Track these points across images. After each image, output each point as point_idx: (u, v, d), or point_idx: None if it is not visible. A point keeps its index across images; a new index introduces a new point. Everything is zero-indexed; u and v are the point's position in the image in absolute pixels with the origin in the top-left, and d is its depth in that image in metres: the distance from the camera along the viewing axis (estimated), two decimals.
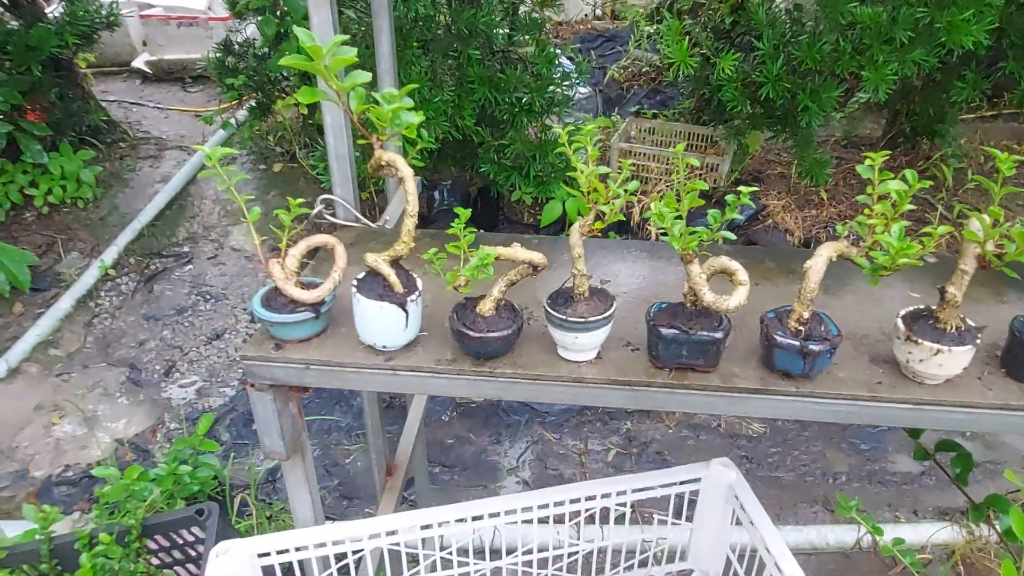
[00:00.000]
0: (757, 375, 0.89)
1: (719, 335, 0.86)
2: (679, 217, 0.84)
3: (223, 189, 0.90)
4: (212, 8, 5.17)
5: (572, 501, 1.13)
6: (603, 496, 1.14)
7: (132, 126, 4.50)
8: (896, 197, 0.78)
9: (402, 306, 0.88)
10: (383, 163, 0.88)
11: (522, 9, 3.56)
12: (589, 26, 6.76)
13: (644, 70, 5.57)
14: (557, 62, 3.46)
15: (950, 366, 0.84)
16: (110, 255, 3.48)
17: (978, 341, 0.84)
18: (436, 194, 3.90)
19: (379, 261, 0.88)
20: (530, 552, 1.19)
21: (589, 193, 0.84)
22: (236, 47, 3.91)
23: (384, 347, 0.91)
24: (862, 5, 2.99)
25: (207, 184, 4.19)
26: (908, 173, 0.78)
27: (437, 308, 0.99)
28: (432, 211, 3.92)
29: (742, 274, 0.84)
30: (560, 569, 1.22)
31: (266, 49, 3.92)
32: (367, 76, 0.86)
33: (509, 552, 1.17)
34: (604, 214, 0.84)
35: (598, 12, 6.83)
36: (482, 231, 1.19)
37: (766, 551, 1.05)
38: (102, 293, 3.41)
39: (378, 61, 1.42)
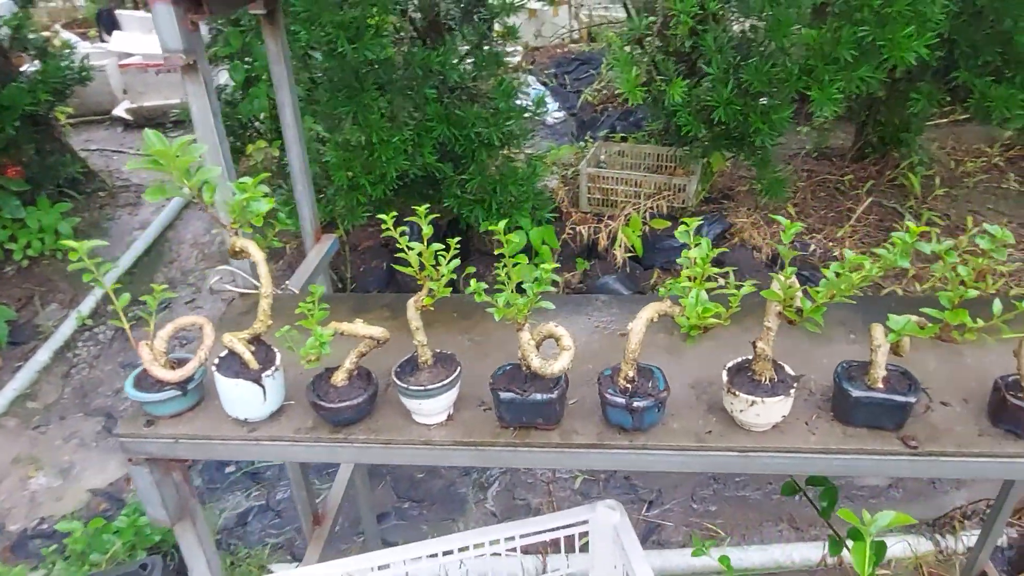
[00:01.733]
0: (596, 431, 0.94)
1: (554, 395, 0.91)
2: (505, 289, 0.89)
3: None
4: None
5: (460, 550, 1.18)
6: (491, 543, 1.19)
7: (112, 174, 4.61)
8: (699, 263, 0.83)
9: (257, 382, 0.93)
10: (238, 249, 0.94)
11: (486, 42, 3.64)
12: (566, 49, 6.86)
13: (617, 92, 5.64)
14: (525, 90, 3.53)
15: (767, 415, 0.89)
16: (88, 305, 3.57)
17: (792, 392, 0.88)
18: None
19: (234, 341, 0.94)
20: None
21: (422, 271, 0.89)
22: None
23: (247, 419, 0.97)
24: (807, 27, 3.05)
25: (185, 228, 4.29)
26: (703, 242, 0.83)
27: (308, 375, 1.05)
28: None
29: (567, 339, 0.89)
30: None
31: (237, 94, 4.03)
32: (216, 170, 0.93)
33: None
34: (434, 291, 0.90)
35: (574, 35, 6.93)
36: (382, 293, 1.24)
37: None
38: (79, 343, 3.49)
39: (284, 130, 1.49)
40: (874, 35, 2.89)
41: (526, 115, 3.46)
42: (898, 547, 2.57)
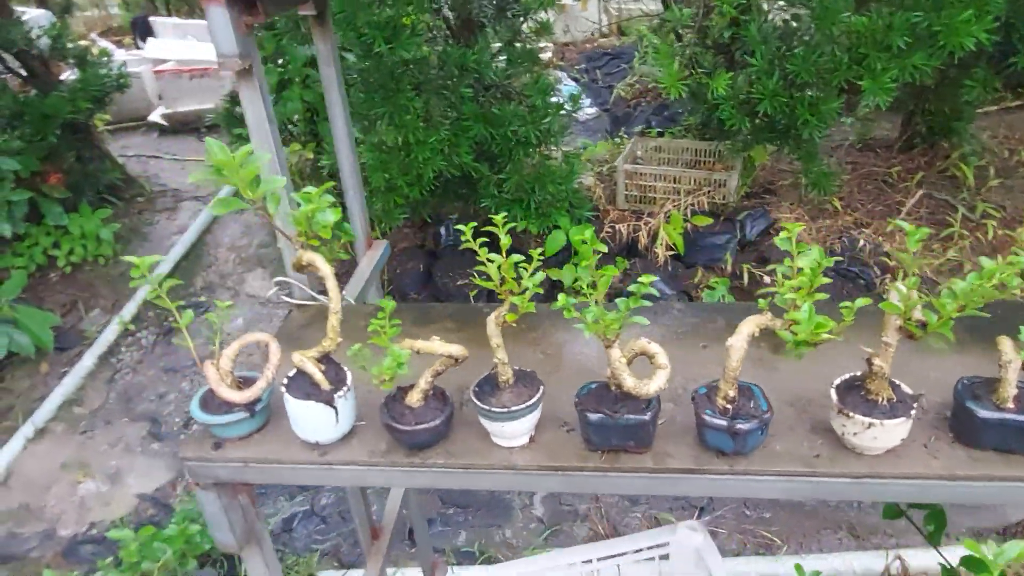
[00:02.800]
0: (691, 454, 0.87)
1: (647, 417, 0.84)
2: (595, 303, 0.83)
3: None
4: None
5: None
6: (568, 565, 1.13)
7: (150, 179, 4.64)
8: (810, 273, 0.76)
9: (329, 403, 0.88)
10: (304, 263, 0.89)
11: (519, 38, 3.57)
12: (595, 44, 6.76)
13: (650, 86, 5.55)
14: (558, 87, 3.46)
15: (886, 439, 0.81)
16: (129, 310, 3.58)
17: (913, 412, 0.81)
18: (442, 229, 3.93)
19: (304, 361, 0.89)
20: None
21: (502, 284, 0.84)
22: None
23: (318, 442, 0.92)
24: (856, 14, 2.93)
25: (222, 232, 4.30)
26: (816, 250, 0.76)
27: (379, 394, 0.99)
28: (439, 246, 3.95)
29: (662, 357, 0.82)
30: None
31: (271, 97, 4.02)
32: (281, 180, 0.88)
33: None
34: (517, 306, 0.84)
35: (604, 30, 6.83)
36: (478, 304, 1.19)
37: None
38: (123, 348, 3.51)
39: (334, 132, 1.44)
40: (929, 20, 2.77)
41: (562, 112, 3.39)
42: (962, 552, 2.46)
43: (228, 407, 0.92)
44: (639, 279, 0.78)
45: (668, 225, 3.76)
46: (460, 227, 0.83)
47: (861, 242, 3.74)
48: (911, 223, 3.04)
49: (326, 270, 0.89)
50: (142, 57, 5.54)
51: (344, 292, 1.40)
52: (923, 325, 0.77)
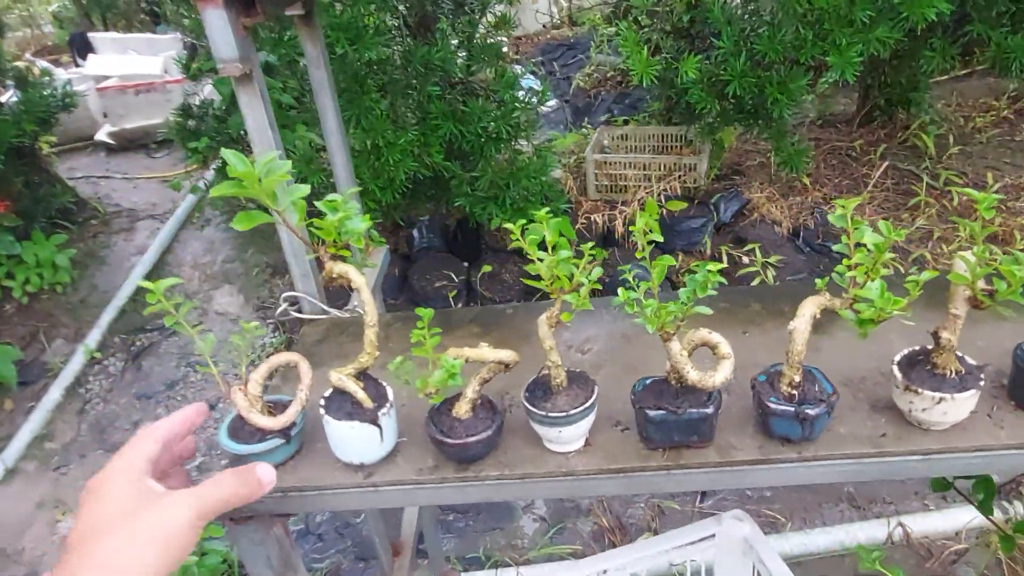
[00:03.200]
0: (755, 443, 0.84)
1: (710, 410, 0.81)
2: (649, 295, 0.79)
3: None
4: (168, 71, 5.14)
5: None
6: (617, 570, 1.09)
7: (102, 201, 4.46)
8: (874, 249, 0.74)
9: (374, 422, 0.83)
10: (335, 275, 0.83)
11: (478, 33, 3.52)
12: (548, 36, 6.74)
13: (609, 75, 5.55)
14: (519, 82, 3.42)
15: (955, 413, 0.80)
16: (94, 338, 3.43)
17: (981, 383, 0.79)
18: (415, 232, 3.86)
19: (344, 379, 0.83)
20: None
21: (552, 283, 0.79)
22: (195, 109, 3.87)
23: (363, 464, 0.86)
24: None
25: (184, 250, 4.15)
26: (882, 225, 0.73)
27: (416, 407, 0.94)
28: (413, 250, 3.88)
29: (724, 347, 0.79)
30: None
31: (225, 108, 3.88)
32: (305, 189, 0.82)
33: None
34: (571, 304, 0.79)
35: (556, 21, 6.81)
36: (459, 306, 1.14)
37: None
38: (90, 378, 3.35)
39: (327, 137, 1.38)
40: None
41: (530, 106, 3.36)
42: (963, 515, 2.51)
43: (261, 434, 0.86)
44: (707, 267, 0.74)
45: (643, 212, 3.76)
46: (509, 225, 0.78)
47: (823, 286, 3.79)
48: (878, 194, 3.09)
49: (360, 281, 0.83)
50: (83, 75, 5.31)
51: (350, 304, 1.34)
52: (990, 294, 0.75)
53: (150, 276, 3.93)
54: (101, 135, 5.11)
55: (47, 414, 3.16)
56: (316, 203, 0.82)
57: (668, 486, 0.84)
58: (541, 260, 0.78)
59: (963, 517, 2.48)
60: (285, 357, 0.89)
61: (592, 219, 3.80)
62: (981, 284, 0.77)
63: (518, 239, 0.77)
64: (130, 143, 5.17)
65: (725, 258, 3.48)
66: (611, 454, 0.85)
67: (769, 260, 3.42)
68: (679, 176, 3.91)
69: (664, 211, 3.72)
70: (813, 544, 2.50)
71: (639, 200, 3.82)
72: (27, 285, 3.58)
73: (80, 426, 3.17)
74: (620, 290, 0.77)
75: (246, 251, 4.05)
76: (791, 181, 3.99)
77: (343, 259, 0.84)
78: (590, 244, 0.81)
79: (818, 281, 0.81)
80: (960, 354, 0.82)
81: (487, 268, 3.81)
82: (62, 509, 2.81)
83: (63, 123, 4.65)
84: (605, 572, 1.08)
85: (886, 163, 3.96)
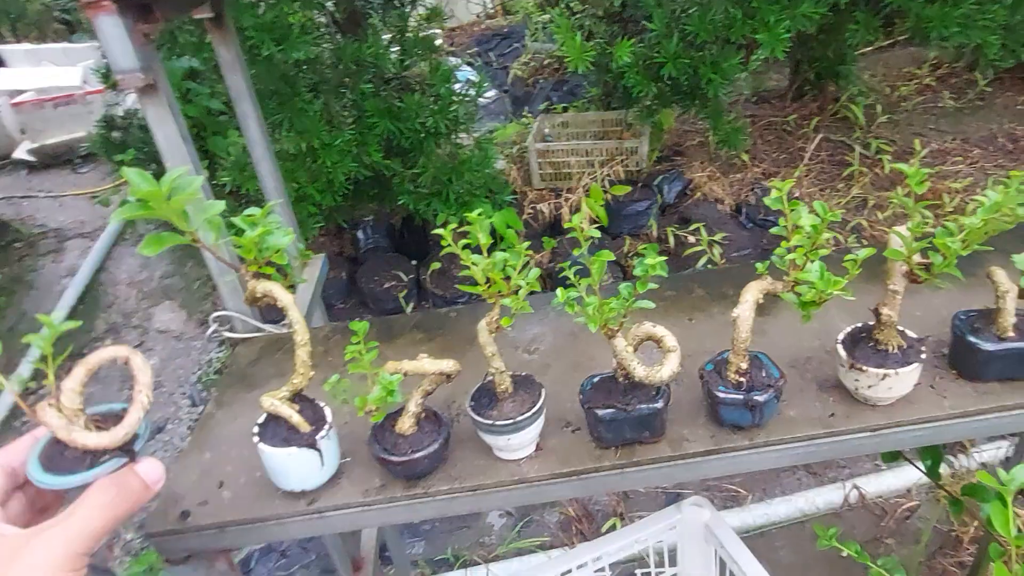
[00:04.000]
0: (707, 434, 0.83)
1: (659, 405, 0.79)
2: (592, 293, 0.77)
3: None
4: (88, 82, 4.91)
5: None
6: (579, 568, 1.07)
7: (25, 222, 4.24)
8: (811, 231, 0.73)
9: (312, 447, 0.79)
10: (258, 295, 0.78)
11: (410, 27, 3.46)
12: (483, 26, 6.68)
13: (546, 63, 5.53)
14: (455, 75, 3.37)
15: (900, 387, 0.80)
16: (26, 369, 3.26)
17: (923, 356, 0.79)
18: (360, 233, 3.78)
19: (276, 404, 0.79)
20: None
21: (489, 286, 0.76)
22: (118, 120, 3.70)
23: (304, 491, 0.82)
24: None
25: (118, 268, 3.99)
26: (817, 205, 0.72)
27: (359, 424, 0.90)
28: (359, 251, 3.80)
29: (670, 339, 0.78)
30: None
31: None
32: (220, 205, 0.77)
33: None
34: (510, 309, 0.77)
35: (489, 10, 6.75)
36: (410, 305, 1.10)
37: None
38: (24, 414, 3.19)
39: (251, 148, 1.31)
40: None
41: (467, 98, 3.31)
42: (914, 472, 2.58)
43: (93, 457, 0.66)
44: (646, 260, 0.72)
45: (588, 198, 3.76)
46: (439, 231, 0.75)
47: (764, 270, 3.85)
48: (814, 166, 3.14)
49: (286, 300, 0.79)
50: None
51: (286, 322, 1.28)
52: (927, 267, 0.75)
53: (84, 298, 3.77)
54: (20, 153, 4.86)
55: None
56: (233, 219, 0.77)
57: (623, 485, 0.82)
58: (475, 264, 0.75)
59: (914, 474, 2.56)
60: (108, 354, 0.72)
61: (538, 209, 3.79)
62: (917, 258, 0.76)
63: (449, 244, 0.74)
64: (53, 159, 4.93)
65: (672, 239, 3.51)
66: (563, 457, 0.83)
67: (714, 238, 3.46)
68: (621, 160, 3.91)
69: (609, 196, 3.72)
70: (775, 514, 2.55)
71: (584, 187, 3.82)
72: None
73: None
74: (559, 290, 0.74)
75: (185, 265, 3.91)
76: (731, 159, 4.04)
77: (267, 276, 0.79)
78: (526, 244, 0.78)
79: (759, 265, 0.80)
80: (901, 328, 0.82)
81: (436, 265, 3.77)
82: None
83: None
84: (570, 572, 1.07)
85: (820, 135, 4.05)
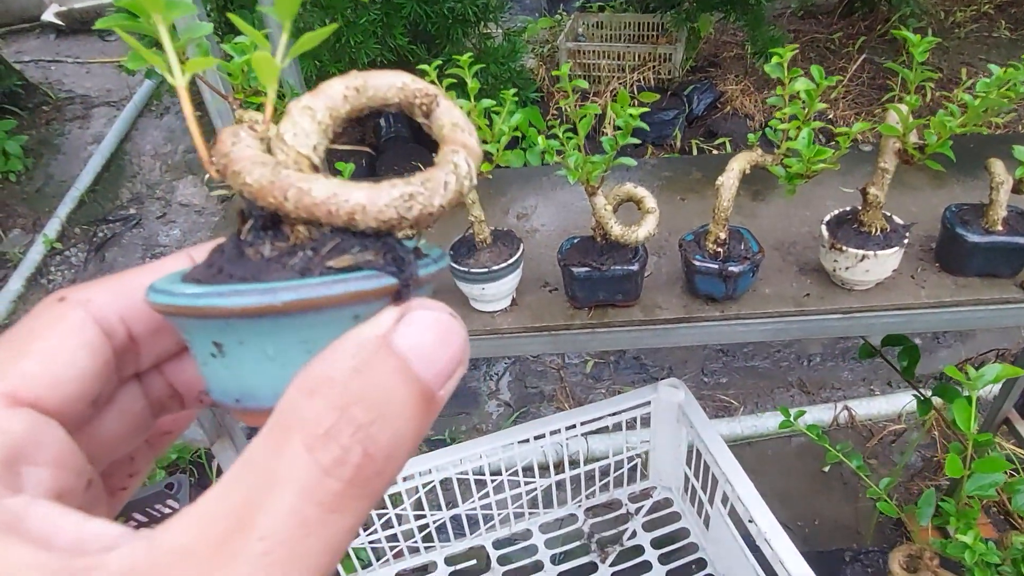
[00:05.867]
0: (680, 303, 0.84)
1: (634, 267, 0.80)
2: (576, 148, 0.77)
3: None
4: None
5: (520, 442, 1.11)
6: (552, 433, 1.12)
7: (53, 86, 4.25)
8: (805, 97, 0.71)
9: None
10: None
11: None
12: None
13: None
14: None
15: (877, 271, 0.79)
16: (53, 228, 3.35)
17: (906, 241, 0.79)
18: (381, 121, 3.74)
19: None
20: (487, 496, 1.18)
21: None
22: None
23: None
24: None
25: (143, 139, 4.00)
26: (815, 70, 0.70)
27: None
28: (380, 139, 3.77)
29: (650, 200, 0.78)
30: (521, 506, 1.21)
31: None
32: (207, 27, 0.76)
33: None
34: (491, 155, 0.77)
35: None
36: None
37: (717, 467, 1.03)
38: (52, 268, 3.30)
39: (268, 22, 1.29)
40: None
41: None
42: (905, 398, 2.61)
43: (314, 250, 0.23)
44: (629, 112, 0.72)
45: (615, 104, 3.67)
46: (424, 67, 0.74)
47: (756, 141, 3.73)
48: (853, 88, 3.03)
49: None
50: None
51: None
52: (921, 148, 0.74)
53: (109, 167, 3.82)
54: (48, 16, 4.81)
55: (9, 305, 3.12)
56: (222, 45, 0.77)
57: (593, 345, 0.85)
58: (461, 108, 0.75)
59: (904, 400, 2.58)
60: (399, 79, 0.31)
61: (564, 110, 3.70)
62: (913, 138, 0.75)
63: (433, 80, 0.73)
64: (82, 24, 4.87)
65: (695, 151, 3.43)
66: (537, 313, 0.85)
67: (694, 155, 3.38)
68: (653, 67, 3.79)
69: (636, 103, 3.63)
70: (763, 426, 2.60)
71: (612, 91, 3.72)
72: None
73: None
74: (540, 138, 0.74)
75: (209, 140, 3.92)
76: (767, 74, 3.89)
77: (256, 108, 0.79)
78: (512, 91, 0.77)
79: (751, 136, 0.79)
80: (888, 213, 0.81)
81: None
82: None
83: (6, 3, 4.37)
84: (543, 436, 1.11)
85: (863, 56, 3.87)
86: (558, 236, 0.98)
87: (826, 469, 2.50)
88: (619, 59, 3.82)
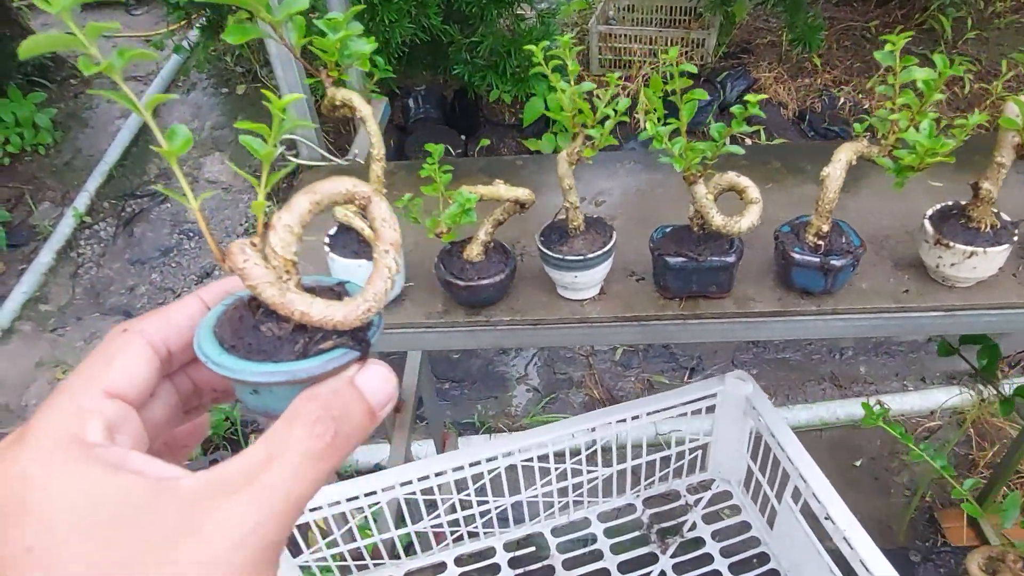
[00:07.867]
0: (774, 296, 0.82)
1: (731, 259, 0.78)
2: (678, 132, 0.74)
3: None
4: None
5: (584, 431, 1.10)
6: (619, 422, 1.11)
7: (79, 60, 4.23)
8: (924, 88, 0.69)
9: None
10: (337, 103, 0.77)
11: None
12: None
13: None
14: None
15: (984, 268, 0.77)
16: (82, 201, 3.35)
17: (1015, 238, 0.76)
18: (410, 102, 3.71)
19: (350, 216, 0.79)
20: (550, 483, 1.17)
21: (574, 116, 0.74)
22: None
23: None
24: None
25: (169, 115, 3.99)
26: (938, 59, 0.68)
27: (422, 253, 0.91)
28: (408, 120, 3.74)
29: (753, 191, 0.75)
30: (580, 495, 1.20)
31: None
32: (304, 3, 0.74)
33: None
34: (593, 139, 0.75)
35: None
36: (461, 157, 1.09)
37: (788, 462, 1.02)
38: (82, 242, 3.30)
39: None
40: None
41: None
42: (940, 395, 2.59)
43: (307, 341, 0.36)
44: (747, 98, 0.69)
45: (647, 89, 3.62)
46: (530, 47, 0.72)
47: (841, 100, 3.67)
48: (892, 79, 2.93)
49: (365, 110, 0.78)
50: None
51: (349, 154, 1.28)
52: None
53: (136, 141, 3.81)
54: None
55: (39, 277, 3.12)
56: (315, 21, 0.75)
57: (683, 336, 0.83)
58: (563, 91, 0.73)
59: (940, 397, 2.56)
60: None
61: (595, 94, 3.66)
62: None
63: (540, 62, 0.71)
64: None
65: (728, 139, 3.39)
66: (626, 302, 0.83)
67: (772, 143, 3.34)
68: (686, 52, 3.74)
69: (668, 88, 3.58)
70: (794, 419, 2.58)
71: (643, 76, 3.67)
72: (8, 146, 3.45)
73: (74, 289, 3.15)
74: (648, 123, 0.72)
75: (235, 118, 3.90)
76: (801, 62, 3.83)
77: (344, 84, 0.78)
78: (616, 74, 0.75)
79: (856, 126, 0.77)
80: (995, 210, 0.79)
81: (485, 142, 3.70)
82: (62, 368, 2.84)
83: None
84: (609, 424, 1.10)
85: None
86: (637, 224, 0.96)
87: (858, 464, 2.48)
88: (651, 43, 3.77)
